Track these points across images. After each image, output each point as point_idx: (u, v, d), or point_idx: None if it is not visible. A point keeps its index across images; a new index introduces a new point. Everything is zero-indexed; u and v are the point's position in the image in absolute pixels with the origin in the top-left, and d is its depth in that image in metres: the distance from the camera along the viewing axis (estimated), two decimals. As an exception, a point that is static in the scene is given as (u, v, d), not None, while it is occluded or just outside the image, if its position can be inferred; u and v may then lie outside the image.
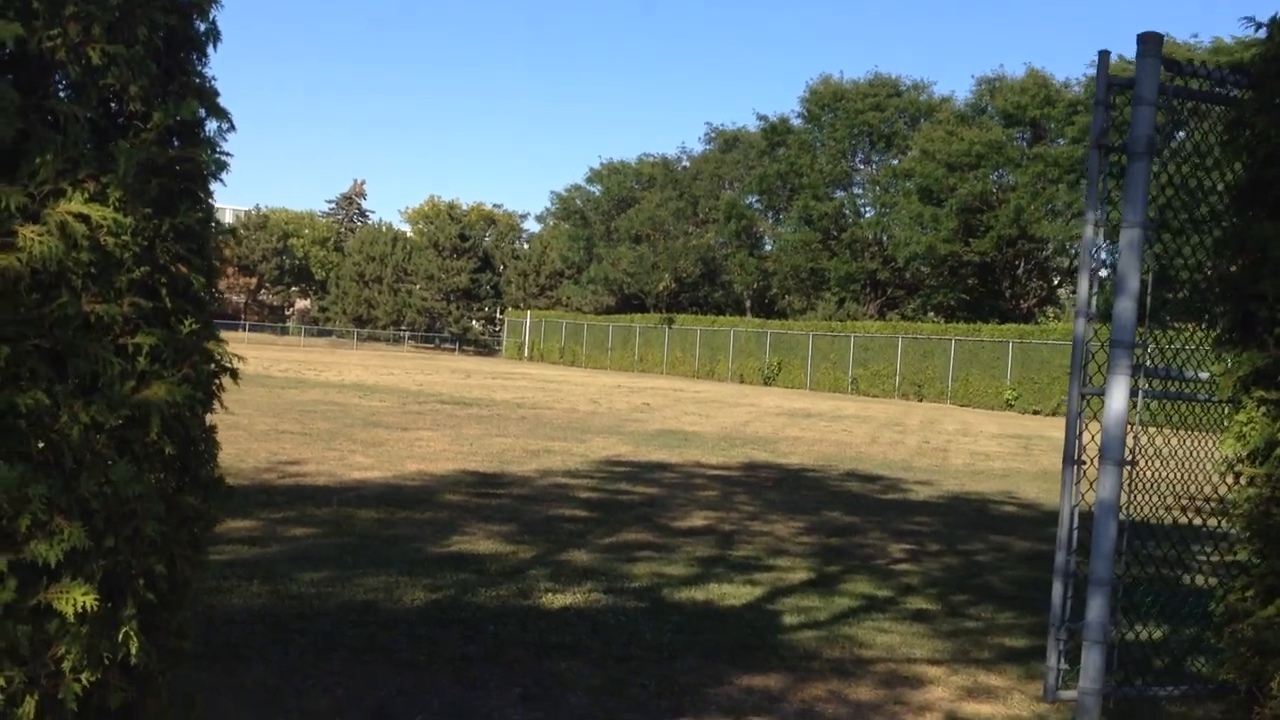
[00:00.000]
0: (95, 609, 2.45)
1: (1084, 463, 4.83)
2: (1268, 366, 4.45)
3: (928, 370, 47.26)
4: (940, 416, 34.61)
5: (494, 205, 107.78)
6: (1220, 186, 4.91)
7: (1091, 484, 4.73)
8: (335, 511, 9.72)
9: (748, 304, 72.00)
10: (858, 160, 67.60)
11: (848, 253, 63.19)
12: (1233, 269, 4.67)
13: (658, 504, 11.69)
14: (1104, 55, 4.53)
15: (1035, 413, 41.52)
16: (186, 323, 2.67)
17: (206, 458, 2.83)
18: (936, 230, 57.57)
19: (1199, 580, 5.22)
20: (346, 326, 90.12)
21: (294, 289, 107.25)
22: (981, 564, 9.61)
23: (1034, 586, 8.69)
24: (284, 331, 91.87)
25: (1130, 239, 4.53)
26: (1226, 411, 4.79)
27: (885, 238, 63.20)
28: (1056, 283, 63.12)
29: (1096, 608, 4.63)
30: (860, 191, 67.26)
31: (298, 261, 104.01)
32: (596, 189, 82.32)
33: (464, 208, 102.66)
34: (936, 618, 7.46)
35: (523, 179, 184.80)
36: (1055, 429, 31.57)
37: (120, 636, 2.53)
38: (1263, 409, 4.49)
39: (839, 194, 66.59)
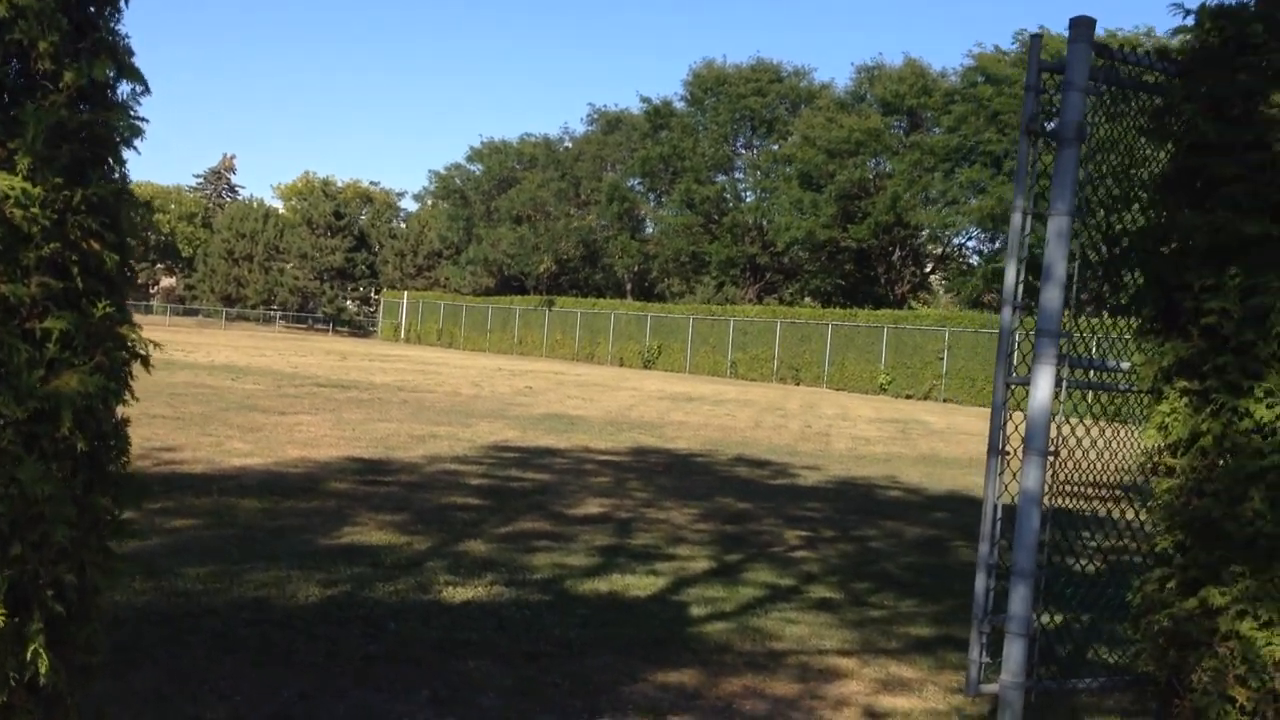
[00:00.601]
0: (1, 625, 2.18)
1: (1008, 453, 4.78)
2: (1192, 357, 4.43)
3: (805, 354, 47.85)
4: (818, 400, 35.02)
5: (371, 183, 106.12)
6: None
7: (1015, 474, 4.68)
8: (216, 501, 9.31)
9: (628, 287, 72.01)
10: (739, 145, 68.02)
11: (728, 237, 63.57)
12: (1157, 257, 4.64)
13: (550, 491, 11.50)
14: (1036, 39, 4.46)
15: (908, 397, 42.33)
16: (99, 305, 2.39)
17: (117, 453, 2.56)
18: (816, 216, 58.22)
19: (1117, 572, 5.22)
20: (214, 305, 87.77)
21: (159, 266, 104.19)
22: (876, 550, 9.65)
23: (929, 573, 8.74)
24: (148, 310, 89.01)
25: (1058, 227, 4.47)
26: (1147, 402, 4.77)
27: (765, 222, 63.70)
28: (929, 269, 64.43)
29: (1019, 600, 4.57)
30: (741, 176, 67.74)
31: (163, 238, 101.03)
32: (477, 168, 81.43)
33: (339, 185, 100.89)
34: (841, 607, 7.42)
35: (401, 157, 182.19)
36: (929, 413, 32.21)
37: (28, 654, 2.26)
38: (1185, 399, 4.47)
39: (720, 178, 66.93)
